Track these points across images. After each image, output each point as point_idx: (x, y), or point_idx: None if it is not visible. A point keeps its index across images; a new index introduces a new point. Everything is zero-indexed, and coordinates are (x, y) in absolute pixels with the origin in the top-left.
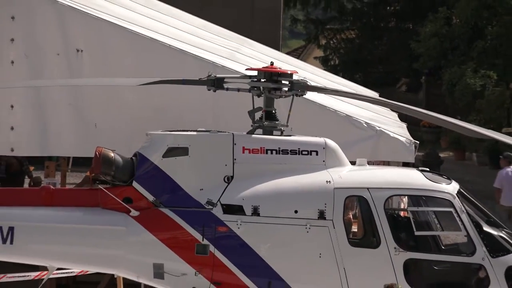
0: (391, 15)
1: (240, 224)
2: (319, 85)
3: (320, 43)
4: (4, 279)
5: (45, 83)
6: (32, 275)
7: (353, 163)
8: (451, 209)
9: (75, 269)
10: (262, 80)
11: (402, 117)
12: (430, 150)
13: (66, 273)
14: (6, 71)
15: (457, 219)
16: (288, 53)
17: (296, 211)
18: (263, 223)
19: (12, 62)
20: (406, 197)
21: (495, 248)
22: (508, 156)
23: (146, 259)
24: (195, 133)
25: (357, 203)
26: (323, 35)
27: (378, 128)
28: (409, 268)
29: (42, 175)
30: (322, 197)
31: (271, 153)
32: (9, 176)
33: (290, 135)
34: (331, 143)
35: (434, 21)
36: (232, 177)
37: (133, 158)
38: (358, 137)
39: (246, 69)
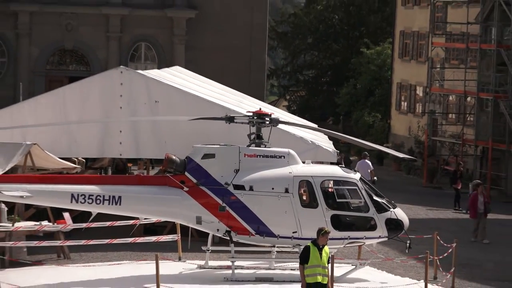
0: (324, 83)
1: (243, 195)
2: (285, 120)
3: (286, 98)
4: (117, 224)
5: (137, 119)
6: (130, 222)
7: (304, 162)
8: (356, 188)
9: (153, 219)
10: (255, 117)
11: (330, 138)
12: (345, 156)
13: (149, 221)
14: (117, 112)
15: (359, 193)
16: (268, 104)
17: (273, 188)
18: (255, 194)
19: (121, 107)
20: (332, 180)
21: (380, 208)
22: (364, 154)
23: (192, 214)
24: (218, 146)
25: (306, 184)
26: (288, 93)
27: (317, 144)
28: (333, 219)
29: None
30: (286, 180)
31: (260, 157)
32: (117, 171)
33: (269, 147)
34: (292, 151)
35: (347, 86)
36: (239, 170)
37: (185, 159)
38: (306, 148)
39: (247, 112)
